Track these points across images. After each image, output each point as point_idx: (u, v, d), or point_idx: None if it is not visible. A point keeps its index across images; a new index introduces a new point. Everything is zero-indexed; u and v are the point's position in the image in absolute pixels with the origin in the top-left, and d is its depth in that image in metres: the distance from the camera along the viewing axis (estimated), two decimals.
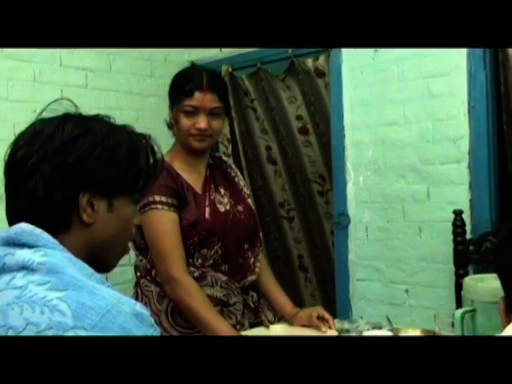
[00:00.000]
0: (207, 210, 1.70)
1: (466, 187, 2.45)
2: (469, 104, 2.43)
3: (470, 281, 1.41)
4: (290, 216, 3.29)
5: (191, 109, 1.68)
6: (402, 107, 2.63)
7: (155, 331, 0.84)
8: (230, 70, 3.18)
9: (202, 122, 1.68)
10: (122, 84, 3.08)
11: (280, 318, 1.85)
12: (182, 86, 1.71)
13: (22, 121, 3.14)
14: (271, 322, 1.80)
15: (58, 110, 0.97)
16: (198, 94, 1.67)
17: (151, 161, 1.00)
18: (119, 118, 1.00)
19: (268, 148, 3.26)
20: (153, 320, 0.85)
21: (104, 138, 0.93)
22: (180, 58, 3.35)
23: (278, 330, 1.75)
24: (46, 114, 0.97)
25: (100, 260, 0.96)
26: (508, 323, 0.83)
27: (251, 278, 1.78)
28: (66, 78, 2.83)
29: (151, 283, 1.70)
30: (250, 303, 1.78)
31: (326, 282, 3.19)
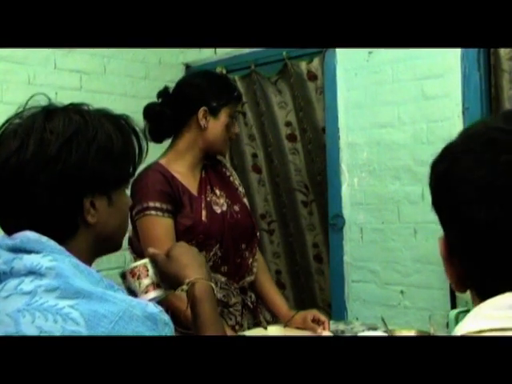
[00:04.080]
0: (203, 212, 1.70)
1: None
2: (463, 105, 2.44)
3: None
4: (270, 228, 3.19)
5: (237, 114, 1.73)
6: (396, 109, 2.63)
7: (169, 330, 0.84)
8: (224, 72, 3.18)
9: (237, 127, 1.78)
10: (116, 86, 3.07)
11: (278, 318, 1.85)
12: (231, 90, 1.75)
13: None
14: (269, 322, 1.81)
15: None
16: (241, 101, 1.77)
17: (136, 143, 0.98)
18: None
19: (254, 155, 3.20)
20: (166, 317, 0.85)
21: (95, 133, 0.90)
22: (175, 60, 3.35)
23: (274, 331, 1.75)
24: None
25: (107, 248, 0.98)
26: (451, 266, 0.74)
27: (249, 278, 1.79)
28: (60, 80, 2.83)
29: None
30: (249, 303, 1.78)
31: (303, 300, 3.07)
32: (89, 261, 0.91)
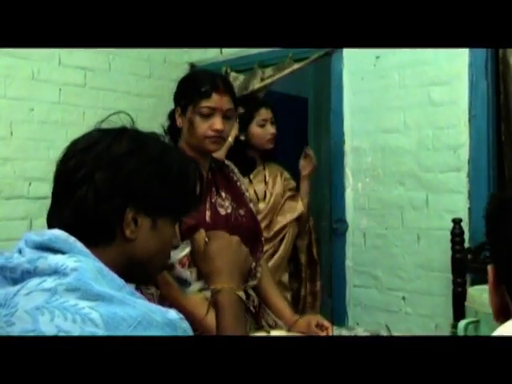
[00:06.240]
0: (208, 213, 1.68)
1: (465, 196, 2.44)
2: (469, 113, 2.43)
3: (474, 291, 1.39)
4: None
5: (208, 110, 1.66)
6: (402, 114, 2.62)
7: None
8: (230, 71, 3.17)
9: (218, 123, 1.67)
10: (120, 84, 3.06)
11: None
12: (198, 87, 1.68)
13: (19, 119, 3.12)
14: (271, 327, 1.79)
15: (115, 122, 0.98)
16: (215, 96, 1.66)
17: (198, 187, 1.01)
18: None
19: None
20: (185, 324, 0.83)
21: (159, 156, 0.94)
22: (179, 59, 3.33)
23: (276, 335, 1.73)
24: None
25: (138, 275, 0.96)
26: (496, 294, 0.81)
27: (252, 282, 1.77)
28: (64, 76, 2.81)
29: (152, 286, 1.69)
30: (251, 307, 1.76)
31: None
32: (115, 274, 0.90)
